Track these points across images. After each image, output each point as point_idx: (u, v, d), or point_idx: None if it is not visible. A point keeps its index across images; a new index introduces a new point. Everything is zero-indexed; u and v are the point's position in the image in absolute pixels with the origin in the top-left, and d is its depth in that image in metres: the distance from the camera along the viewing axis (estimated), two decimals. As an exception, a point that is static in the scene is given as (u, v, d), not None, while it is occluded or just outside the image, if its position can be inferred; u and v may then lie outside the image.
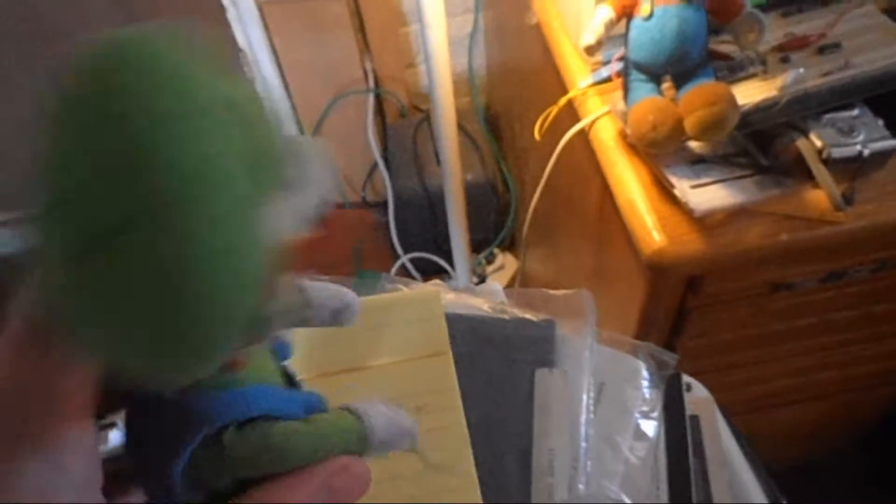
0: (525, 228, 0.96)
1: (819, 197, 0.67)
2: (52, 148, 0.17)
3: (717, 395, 0.57)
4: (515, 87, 1.33)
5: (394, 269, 1.73)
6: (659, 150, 0.67)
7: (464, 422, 0.32)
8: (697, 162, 0.68)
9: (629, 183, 0.70)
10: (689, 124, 0.63)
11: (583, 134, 0.78)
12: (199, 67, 0.18)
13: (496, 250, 1.75)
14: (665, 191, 0.68)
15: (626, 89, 0.70)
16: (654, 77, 0.68)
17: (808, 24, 0.73)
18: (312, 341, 0.37)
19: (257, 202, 0.18)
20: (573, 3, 0.81)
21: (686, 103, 0.64)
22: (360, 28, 1.55)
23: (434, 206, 1.63)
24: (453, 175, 1.08)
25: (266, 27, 1.51)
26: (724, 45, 0.71)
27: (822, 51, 0.70)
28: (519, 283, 1.65)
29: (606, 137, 0.74)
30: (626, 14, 0.68)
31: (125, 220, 0.16)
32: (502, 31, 1.40)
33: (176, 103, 0.17)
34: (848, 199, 0.66)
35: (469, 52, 1.66)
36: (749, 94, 0.67)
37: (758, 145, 0.69)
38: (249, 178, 0.18)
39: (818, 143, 0.66)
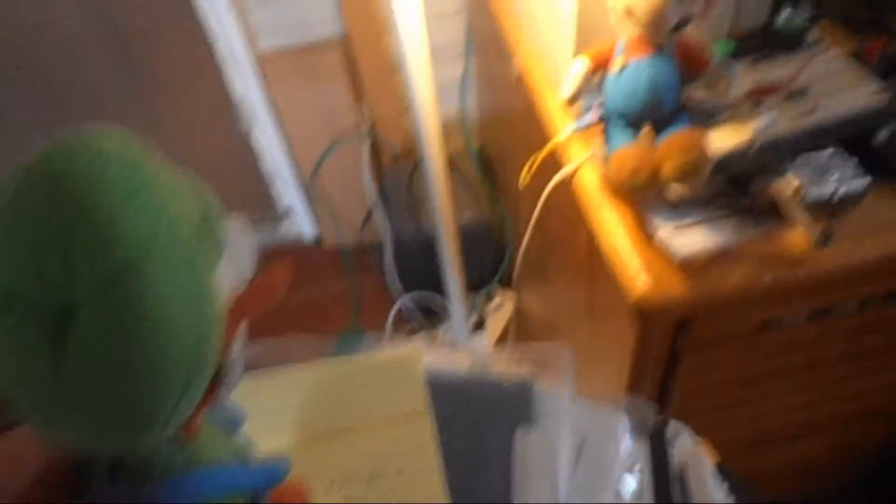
0: (517, 270, 0.98)
1: (798, 236, 0.69)
2: (8, 235, 0.19)
3: (715, 435, 0.58)
4: (505, 131, 1.36)
5: (393, 310, 1.75)
6: (639, 195, 0.69)
7: (443, 484, 0.34)
8: (678, 205, 0.70)
9: (613, 227, 0.72)
10: (667, 171, 0.65)
11: (567, 179, 0.80)
12: (139, 156, 0.21)
13: (495, 289, 1.76)
14: (649, 234, 0.70)
15: (606, 136, 0.72)
16: (633, 124, 0.71)
17: (777, 71, 0.76)
18: (297, 401, 0.39)
19: (202, 264, 0.21)
20: (553, 55, 0.84)
21: (663, 150, 0.66)
22: (355, 76, 1.59)
23: (432, 246, 1.65)
24: (445, 221, 1.11)
25: (263, 77, 1.55)
26: (699, 92, 0.74)
27: (791, 96, 0.73)
28: (515, 323, 1.66)
29: (589, 183, 0.77)
30: (602, 66, 0.71)
31: (85, 293, 0.18)
32: (490, 77, 1.44)
33: (125, 184, 0.19)
34: (826, 238, 0.68)
35: (461, 96, 1.70)
36: (724, 139, 0.70)
37: (736, 187, 0.71)
38: (194, 243, 0.21)
39: (794, 184, 0.68)
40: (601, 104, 0.76)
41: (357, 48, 1.51)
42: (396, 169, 1.73)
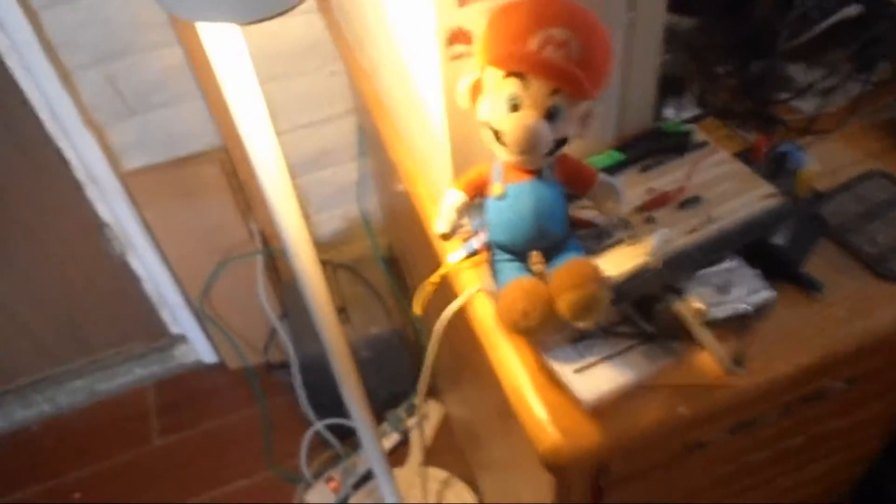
0: (421, 393, 0.92)
1: (710, 360, 0.66)
2: None
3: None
4: (407, 233, 1.33)
5: (307, 436, 1.65)
6: (534, 337, 0.66)
7: None
8: (579, 339, 0.67)
9: (514, 369, 0.68)
10: (561, 308, 0.62)
11: (461, 312, 0.76)
12: None
13: (418, 400, 1.69)
14: (551, 376, 0.66)
15: (493, 270, 0.69)
16: (520, 254, 0.67)
17: (667, 178, 0.75)
18: None
19: None
20: (431, 173, 0.81)
21: (555, 285, 0.63)
22: (239, 188, 1.54)
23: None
24: (332, 341, 1.03)
25: (134, 198, 1.48)
26: (587, 210, 0.72)
27: (683, 206, 0.72)
28: (446, 433, 1.59)
29: (485, 317, 0.73)
30: (480, 191, 0.68)
31: None
32: (385, 179, 1.42)
33: None
34: (738, 363, 0.65)
35: (359, 199, 1.67)
36: (619, 261, 0.67)
37: (639, 311, 0.69)
38: None
39: (696, 305, 0.66)
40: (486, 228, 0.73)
41: (237, 158, 1.46)
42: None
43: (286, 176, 0.82)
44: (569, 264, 0.64)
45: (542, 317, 0.63)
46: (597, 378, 0.64)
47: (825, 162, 0.82)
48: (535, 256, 0.68)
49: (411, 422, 1.66)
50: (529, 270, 0.68)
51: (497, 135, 0.62)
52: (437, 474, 1.57)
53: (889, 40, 0.91)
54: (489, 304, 0.73)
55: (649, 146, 0.78)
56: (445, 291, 0.81)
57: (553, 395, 0.66)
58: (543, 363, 0.67)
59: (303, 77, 1.50)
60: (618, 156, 0.77)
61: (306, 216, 1.73)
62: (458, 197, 0.67)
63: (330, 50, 1.39)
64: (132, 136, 1.39)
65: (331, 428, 1.62)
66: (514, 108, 0.60)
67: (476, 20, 0.64)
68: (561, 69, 0.57)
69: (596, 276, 0.62)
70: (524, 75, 0.59)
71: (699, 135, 0.80)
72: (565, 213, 0.67)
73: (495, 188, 0.66)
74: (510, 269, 0.67)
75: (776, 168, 0.75)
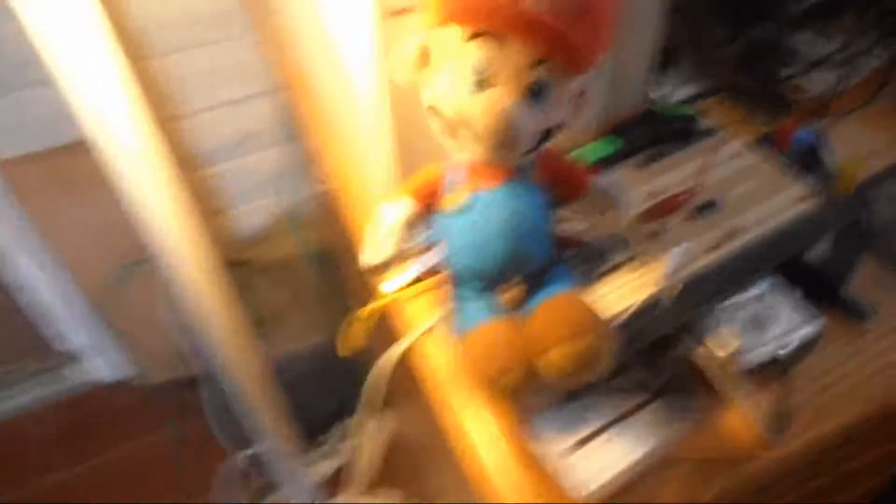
0: (360, 424, 0.74)
1: (741, 421, 0.50)
2: None
3: None
4: (342, 230, 1.14)
5: (224, 466, 1.45)
6: (512, 400, 0.48)
7: None
8: (568, 399, 0.50)
9: (478, 438, 0.51)
10: (547, 368, 0.44)
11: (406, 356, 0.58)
12: None
13: (361, 417, 1.51)
14: (532, 454, 0.49)
15: (453, 305, 0.51)
16: (489, 286, 0.50)
17: (673, 175, 0.59)
18: None
19: None
20: (371, 171, 0.63)
21: (538, 330, 0.46)
22: (140, 180, 1.31)
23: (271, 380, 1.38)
24: (236, 364, 0.85)
25: (9, 193, 1.24)
26: (573, 222, 0.55)
27: (697, 213, 0.55)
28: (395, 450, 1.43)
29: (438, 365, 0.55)
30: (430, 205, 0.50)
31: None
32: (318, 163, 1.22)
33: None
34: (780, 423, 0.50)
35: (287, 188, 1.46)
36: (621, 294, 0.50)
37: (646, 358, 0.52)
38: None
39: (721, 353, 0.50)
40: (437, 246, 0.55)
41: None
42: None
43: (162, 162, 0.62)
44: (556, 302, 0.47)
45: (522, 377, 0.45)
46: (594, 459, 0.47)
47: (847, 150, 0.67)
48: (510, 289, 0.50)
49: (354, 442, 1.48)
50: (501, 307, 0.50)
51: (455, 124, 0.44)
52: (389, 496, 1.41)
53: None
54: (444, 351, 0.55)
55: (646, 133, 0.62)
56: (386, 330, 0.63)
57: (535, 480, 0.48)
58: (521, 433, 0.49)
59: (217, 47, 1.27)
60: (611, 145, 0.60)
61: (223, 210, 1.52)
62: (405, 210, 0.49)
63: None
64: (2, 120, 1.16)
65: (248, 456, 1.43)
66: (482, 84, 0.42)
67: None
68: (549, 27, 0.39)
69: (594, 321, 0.46)
70: (496, 36, 0.41)
71: (706, 119, 0.63)
72: (550, 230, 0.50)
73: (454, 197, 0.48)
74: (476, 308, 0.50)
75: (807, 160, 0.60)
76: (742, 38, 0.79)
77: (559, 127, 0.45)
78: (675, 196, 0.56)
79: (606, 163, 0.59)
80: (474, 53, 0.41)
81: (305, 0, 0.64)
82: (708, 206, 0.56)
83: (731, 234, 0.54)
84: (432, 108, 0.45)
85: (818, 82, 0.76)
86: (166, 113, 1.28)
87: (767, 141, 0.62)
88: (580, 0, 0.40)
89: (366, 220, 0.66)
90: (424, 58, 0.45)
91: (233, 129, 1.35)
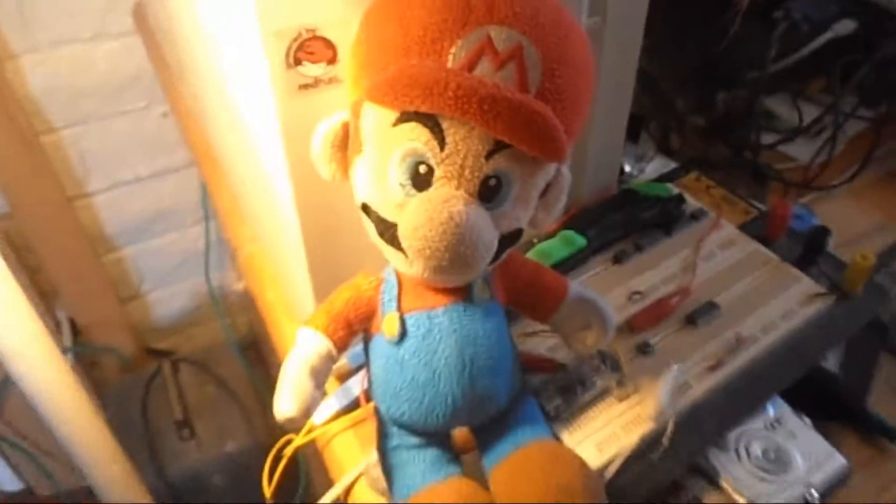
0: None
1: None
2: None
3: None
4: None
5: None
6: None
7: None
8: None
9: None
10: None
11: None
12: None
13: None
14: None
15: (385, 461, 0.39)
16: (434, 438, 0.38)
17: (657, 272, 0.49)
18: None
19: None
20: (289, 271, 0.51)
21: (508, 498, 0.34)
22: (37, 266, 1.17)
23: (195, 487, 1.22)
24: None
25: None
26: (541, 337, 0.44)
27: (692, 319, 0.45)
28: None
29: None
30: (359, 328, 0.38)
31: None
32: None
33: None
34: None
35: (208, 270, 1.33)
36: (609, 434, 0.39)
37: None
38: None
39: (742, 499, 0.39)
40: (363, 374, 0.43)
41: (29, 229, 1.10)
42: (127, 383, 1.31)
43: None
44: (529, 454, 0.36)
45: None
46: None
47: (838, 229, 0.59)
48: (463, 437, 0.39)
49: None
50: (454, 459, 0.39)
51: (388, 229, 0.33)
52: None
53: (892, 64, 0.70)
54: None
55: (621, 220, 0.52)
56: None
57: None
58: None
59: (125, 119, 1.17)
60: (578, 240, 0.50)
61: (139, 294, 1.38)
62: (311, 356, 0.37)
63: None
64: None
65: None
66: (421, 181, 0.31)
67: (342, 17, 0.36)
68: (512, 102, 0.29)
69: (582, 479, 0.34)
70: (437, 119, 0.30)
71: (690, 203, 0.54)
72: (515, 358, 0.39)
73: (389, 321, 0.37)
74: (420, 460, 0.38)
75: (808, 246, 0.51)
76: (712, 105, 0.71)
77: (521, 231, 0.35)
78: (665, 299, 0.46)
79: (574, 260, 0.49)
80: (408, 139, 0.31)
81: (209, 62, 0.54)
82: (705, 310, 0.46)
83: (734, 346, 0.44)
84: (365, 207, 0.34)
85: (801, 150, 0.69)
86: (70, 192, 1.15)
87: (759, 223, 0.53)
88: (548, 67, 0.30)
89: (289, 328, 0.55)
90: (347, 141, 0.34)
91: (145, 207, 1.25)
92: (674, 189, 0.54)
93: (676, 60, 0.71)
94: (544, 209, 0.36)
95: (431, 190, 0.31)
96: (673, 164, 0.68)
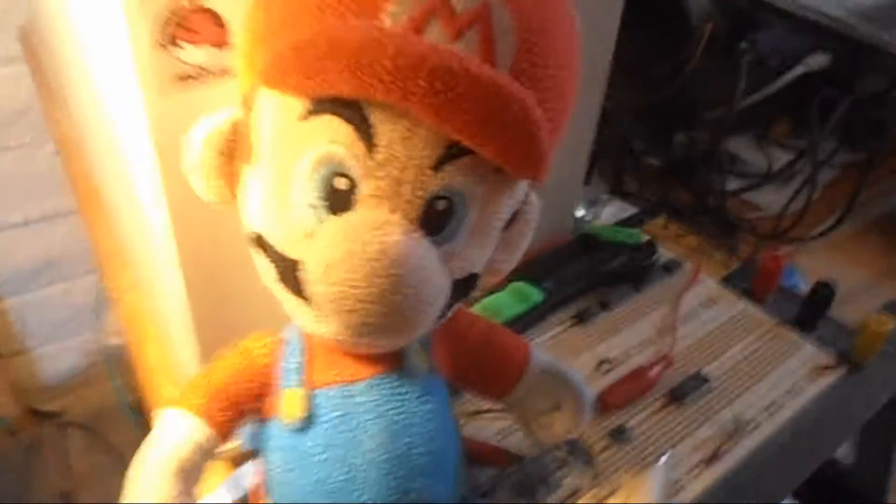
0: None
1: None
2: None
3: None
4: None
5: None
6: None
7: None
8: None
9: None
10: None
11: None
12: None
13: None
14: None
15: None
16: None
17: (627, 334, 0.40)
18: None
19: None
20: (170, 329, 0.40)
21: None
22: None
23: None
24: None
25: None
26: (490, 416, 0.34)
27: (679, 397, 0.36)
28: None
29: None
30: (250, 409, 0.28)
31: None
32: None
33: None
34: None
35: (100, 324, 1.21)
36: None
37: None
38: None
39: None
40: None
41: None
42: (5, 450, 1.18)
43: None
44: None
45: None
46: None
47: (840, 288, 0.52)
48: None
49: None
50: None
51: (290, 270, 0.23)
52: None
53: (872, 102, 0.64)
54: None
55: (582, 272, 0.43)
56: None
57: None
58: None
59: (11, 155, 1.06)
60: (533, 294, 0.41)
61: (23, 351, 1.25)
62: (179, 443, 0.26)
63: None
64: None
65: None
66: (339, 199, 0.22)
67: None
68: (482, 81, 0.20)
69: None
70: (365, 109, 0.21)
71: (662, 252, 0.46)
72: (459, 453, 0.29)
73: (293, 400, 0.26)
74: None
75: (808, 307, 0.43)
76: (669, 146, 0.65)
77: (478, 277, 0.25)
78: (642, 369, 0.37)
79: (528, 319, 0.40)
80: (320, 142, 0.21)
81: (85, 75, 0.43)
82: (692, 384, 0.37)
83: (733, 432, 0.35)
84: (259, 240, 0.24)
85: (768, 198, 0.63)
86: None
87: (741, 277, 0.46)
88: (525, 35, 0.21)
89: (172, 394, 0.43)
90: (235, 148, 0.25)
91: (32, 254, 1.14)
92: (642, 235, 0.46)
93: (632, 95, 0.64)
94: (506, 249, 0.27)
95: (354, 213, 0.22)
96: (630, 209, 0.61)
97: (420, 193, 0.22)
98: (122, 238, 0.53)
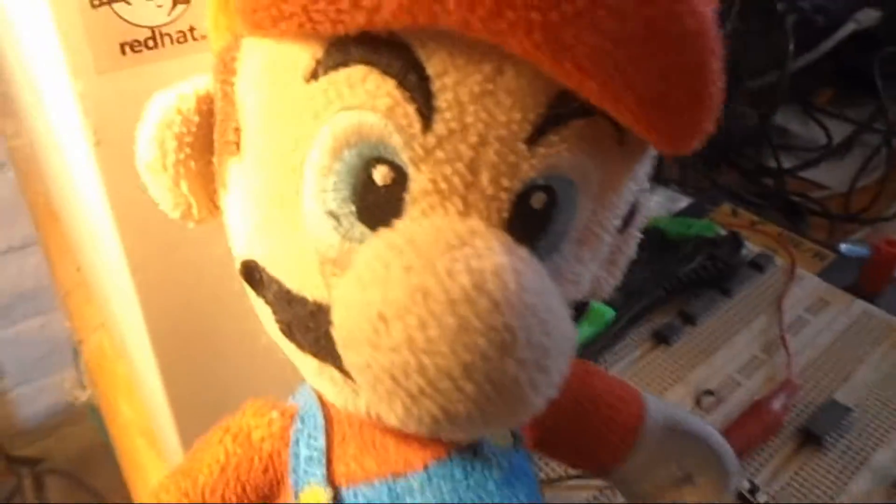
0: None
1: None
2: None
3: None
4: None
5: None
6: None
7: None
8: None
9: None
10: None
11: None
12: None
13: None
14: None
15: None
16: None
17: (725, 355, 0.32)
18: None
19: None
20: (143, 384, 0.32)
21: None
22: None
23: None
24: None
25: None
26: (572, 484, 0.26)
27: (816, 436, 0.28)
28: None
29: None
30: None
31: None
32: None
33: None
34: None
35: (75, 360, 1.14)
36: None
37: None
38: None
39: None
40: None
41: None
42: None
43: None
44: None
45: None
46: None
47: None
48: None
49: None
50: None
51: (311, 320, 0.14)
52: None
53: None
54: None
55: (653, 276, 0.35)
56: None
57: None
58: None
59: None
60: (604, 311, 0.32)
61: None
62: None
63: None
64: None
65: None
66: (380, 202, 0.13)
67: None
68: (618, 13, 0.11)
69: None
70: (416, 52, 0.12)
71: (747, 248, 0.38)
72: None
73: (313, 497, 0.18)
74: None
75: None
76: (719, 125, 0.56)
77: (587, 305, 0.17)
78: (765, 400, 0.29)
79: (602, 343, 0.32)
80: (346, 109, 0.13)
81: (29, 89, 0.35)
82: (830, 417, 0.29)
83: None
84: (252, 273, 0.16)
85: (827, 175, 0.55)
86: None
87: (841, 270, 0.37)
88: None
89: (154, 470, 0.35)
90: (210, 135, 0.16)
91: (2, 287, 1.09)
92: (719, 227, 0.38)
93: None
94: (614, 260, 0.18)
95: (408, 221, 0.13)
96: (678, 197, 0.52)
97: (508, 184, 0.13)
98: (85, 269, 0.45)
